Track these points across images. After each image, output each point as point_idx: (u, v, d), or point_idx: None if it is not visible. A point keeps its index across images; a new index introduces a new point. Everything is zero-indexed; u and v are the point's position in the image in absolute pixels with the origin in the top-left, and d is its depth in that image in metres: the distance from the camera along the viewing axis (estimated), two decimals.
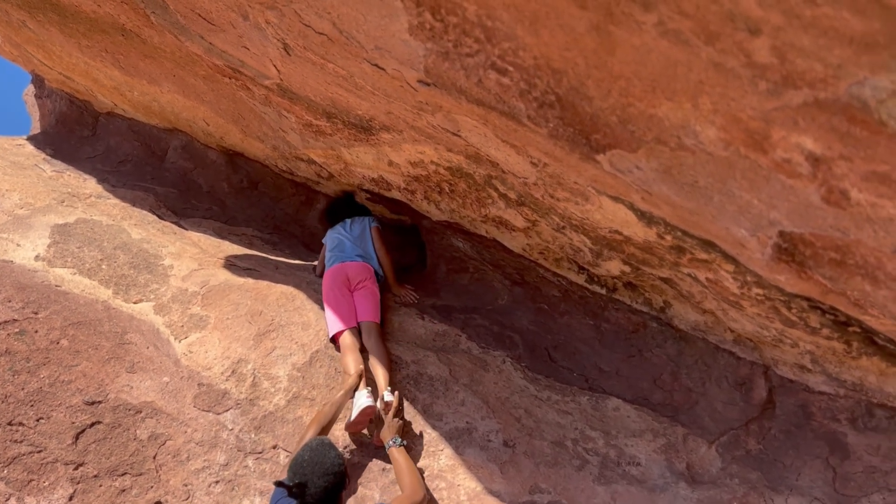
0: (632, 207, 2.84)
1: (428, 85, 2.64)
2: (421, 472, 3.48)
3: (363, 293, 4.19)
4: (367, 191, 4.65)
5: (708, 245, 2.79)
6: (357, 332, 3.96)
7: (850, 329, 2.85)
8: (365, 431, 3.61)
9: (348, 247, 4.45)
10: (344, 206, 5.04)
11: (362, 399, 3.55)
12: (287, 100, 3.86)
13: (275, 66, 3.46)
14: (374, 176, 4.27)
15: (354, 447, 3.54)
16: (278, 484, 2.66)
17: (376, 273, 4.42)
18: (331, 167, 4.54)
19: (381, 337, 3.96)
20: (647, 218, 2.85)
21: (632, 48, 1.92)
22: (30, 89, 8.06)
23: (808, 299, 2.76)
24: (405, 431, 3.57)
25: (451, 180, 3.73)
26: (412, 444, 3.55)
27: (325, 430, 3.33)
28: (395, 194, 4.36)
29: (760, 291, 2.90)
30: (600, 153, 2.49)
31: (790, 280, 2.60)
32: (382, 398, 3.57)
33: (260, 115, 4.59)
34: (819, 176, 2.02)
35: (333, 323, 3.94)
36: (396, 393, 3.60)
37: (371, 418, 3.55)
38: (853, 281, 2.40)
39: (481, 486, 3.43)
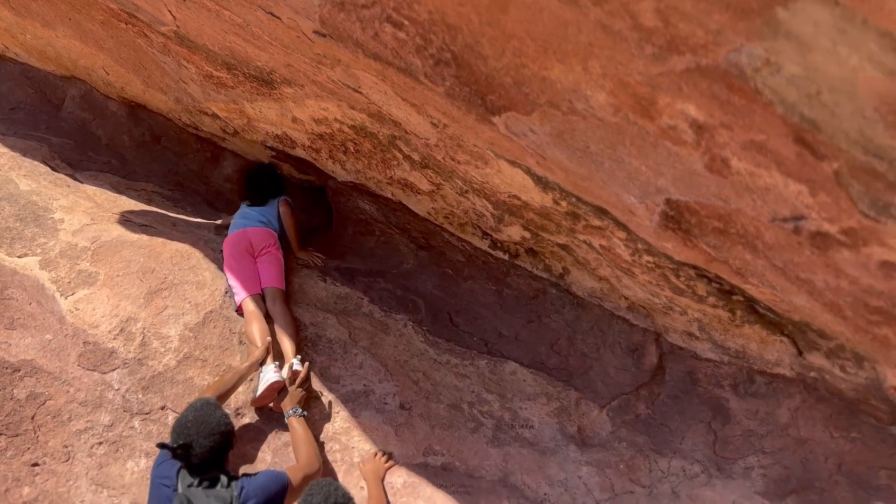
0: (529, 172, 2.84)
1: (324, 36, 2.56)
2: (316, 437, 3.44)
3: (267, 258, 4.07)
4: (271, 148, 4.51)
5: (601, 212, 2.81)
6: (261, 298, 3.86)
7: (734, 298, 2.94)
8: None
9: (253, 215, 4.29)
10: (264, 182, 4.68)
11: (270, 373, 3.46)
12: (185, 48, 3.70)
13: (170, 11, 3.30)
14: (279, 132, 4.15)
15: (246, 409, 3.47)
16: (161, 446, 2.59)
17: (280, 239, 4.27)
18: (234, 122, 4.39)
19: (286, 303, 3.86)
20: (543, 183, 2.86)
21: (524, 6, 1.89)
22: None
23: (694, 267, 2.82)
24: (308, 402, 3.50)
25: (356, 139, 3.65)
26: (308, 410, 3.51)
27: (222, 398, 3.24)
28: (300, 152, 4.25)
29: (651, 259, 2.96)
30: (496, 115, 2.47)
31: (677, 248, 2.65)
32: (291, 366, 3.48)
33: (160, 66, 4.39)
34: (702, 144, 2.05)
35: (237, 290, 3.84)
36: (307, 364, 3.53)
37: (278, 393, 3.47)
38: (735, 250, 2.46)
39: (376, 448, 3.42)
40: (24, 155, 4.86)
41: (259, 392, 3.41)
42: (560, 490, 3.30)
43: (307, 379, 3.53)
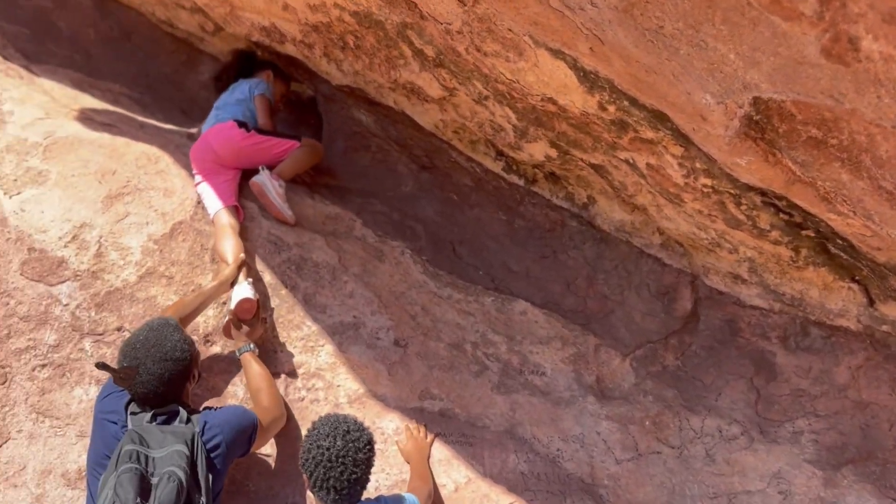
0: (574, 66, 2.33)
1: None
2: (294, 371, 2.98)
3: (227, 176, 3.45)
4: (257, 44, 3.95)
5: (658, 118, 2.32)
6: (236, 210, 3.33)
7: (804, 233, 2.49)
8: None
9: (217, 107, 3.67)
10: (238, 67, 4.04)
11: (244, 289, 2.95)
12: None
13: None
14: (266, 24, 3.58)
15: (217, 336, 2.99)
16: (102, 367, 2.09)
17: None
18: (214, 11, 3.81)
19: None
20: (590, 81, 2.36)
21: None
22: None
23: (763, 193, 2.36)
24: (262, 336, 2.99)
25: (358, 31, 3.11)
26: (288, 341, 3.04)
27: (185, 320, 2.74)
28: (290, 49, 3.70)
29: (708, 182, 2.49)
30: None
31: (753, 164, 2.18)
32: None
33: None
34: (826, 16, 1.57)
35: (208, 202, 3.31)
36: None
37: (253, 314, 2.96)
38: (829, 168, 2.00)
39: (364, 388, 2.97)
40: None
41: (232, 308, 2.91)
42: (575, 446, 2.89)
43: (259, 310, 2.99)
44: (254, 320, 2.90)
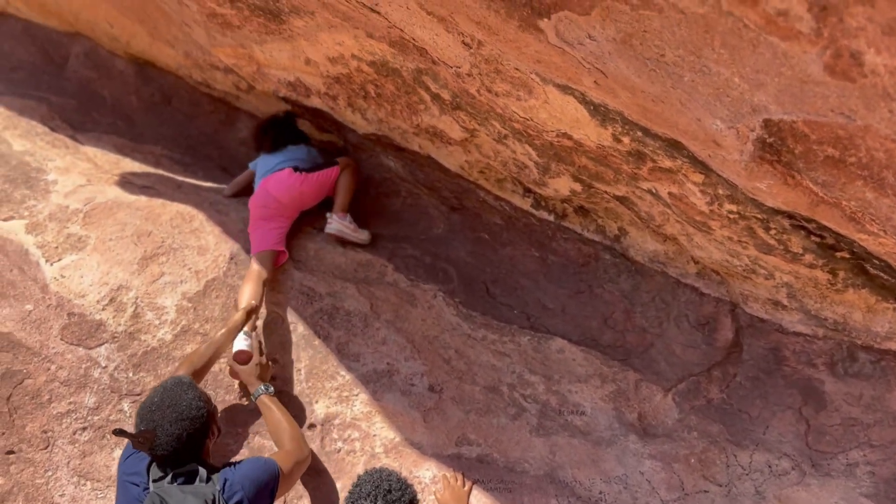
0: (583, 100, 2.30)
1: None
2: (329, 419, 2.96)
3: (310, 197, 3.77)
4: (285, 99, 4.03)
5: (673, 147, 2.26)
6: (278, 255, 3.44)
7: (838, 254, 2.37)
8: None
9: (275, 160, 3.82)
10: (285, 128, 4.15)
11: (239, 340, 2.98)
12: None
13: None
14: (291, 79, 3.66)
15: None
16: (118, 433, 2.11)
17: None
18: (243, 70, 3.91)
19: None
20: (601, 114, 2.32)
21: None
22: None
23: (790, 216, 2.27)
24: (269, 374, 2.98)
25: (377, 80, 3.15)
26: (322, 392, 3.04)
27: (198, 374, 2.76)
28: (316, 101, 3.76)
29: (734, 208, 2.40)
30: (544, 17, 1.95)
31: (773, 188, 2.10)
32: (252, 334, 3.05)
33: (163, 9, 3.94)
34: (825, 33, 1.51)
35: (252, 244, 3.46)
36: (254, 333, 3.05)
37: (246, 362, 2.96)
38: (852, 186, 1.91)
39: (401, 436, 2.94)
40: (21, 114, 4.45)
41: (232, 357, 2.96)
42: (618, 487, 2.78)
43: (261, 348, 3.03)
44: (255, 367, 2.90)
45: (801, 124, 1.80)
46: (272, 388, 2.83)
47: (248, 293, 3.11)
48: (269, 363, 2.99)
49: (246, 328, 3.02)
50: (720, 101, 1.89)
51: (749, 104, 1.83)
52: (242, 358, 2.93)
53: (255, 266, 3.27)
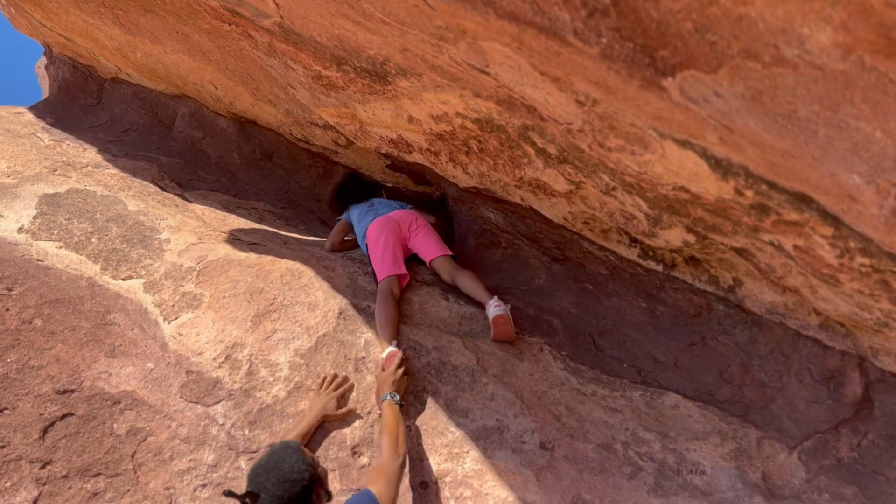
0: (704, 154, 2.25)
1: None
2: (441, 476, 2.94)
3: (421, 233, 3.92)
4: (385, 155, 4.10)
5: (801, 201, 2.18)
6: (400, 279, 3.65)
7: None
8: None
9: (387, 204, 4.11)
10: (363, 184, 4.70)
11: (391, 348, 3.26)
12: (291, 45, 3.34)
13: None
14: (393, 136, 3.72)
15: (365, 447, 3.01)
16: (227, 494, 2.17)
17: None
18: (345, 128, 4.01)
19: (456, 265, 3.76)
20: (722, 168, 2.26)
21: None
22: (42, 61, 7.67)
23: None
24: (403, 389, 3.13)
25: (480, 136, 3.17)
26: (433, 448, 3.03)
27: (306, 437, 2.94)
28: (417, 157, 3.81)
29: (866, 261, 2.29)
30: (668, 76, 1.92)
31: None
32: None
33: (267, 71, 4.09)
34: None
35: (377, 269, 3.66)
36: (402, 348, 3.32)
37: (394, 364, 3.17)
38: None
39: (514, 495, 2.88)
40: (134, 175, 4.68)
41: (383, 357, 3.24)
42: None
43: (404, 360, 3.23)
44: (391, 374, 3.07)
45: None
46: (398, 397, 2.97)
47: (387, 320, 3.36)
48: (407, 378, 3.15)
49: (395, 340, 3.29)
50: (858, 155, 1.82)
51: (892, 158, 1.76)
52: (390, 360, 3.14)
53: (386, 285, 3.53)
